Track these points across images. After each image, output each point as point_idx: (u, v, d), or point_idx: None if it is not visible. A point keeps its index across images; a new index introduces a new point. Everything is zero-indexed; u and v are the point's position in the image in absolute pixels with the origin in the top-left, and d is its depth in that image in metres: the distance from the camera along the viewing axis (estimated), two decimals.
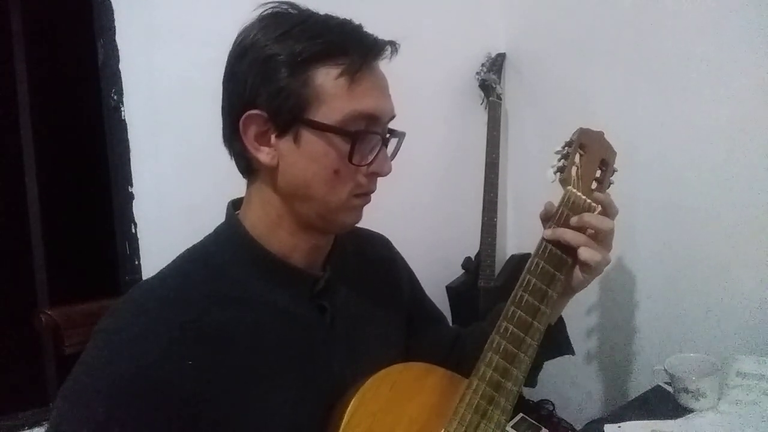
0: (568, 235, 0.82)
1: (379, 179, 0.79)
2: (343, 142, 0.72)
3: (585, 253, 0.81)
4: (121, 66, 1.33)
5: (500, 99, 1.84)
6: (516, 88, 1.90)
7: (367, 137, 0.74)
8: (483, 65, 1.87)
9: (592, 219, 0.82)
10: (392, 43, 0.76)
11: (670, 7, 1.43)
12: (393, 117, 0.78)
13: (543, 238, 0.84)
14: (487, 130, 1.81)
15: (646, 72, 1.50)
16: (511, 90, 1.92)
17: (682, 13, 1.41)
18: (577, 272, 0.85)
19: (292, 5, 0.76)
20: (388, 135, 0.78)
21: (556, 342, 0.95)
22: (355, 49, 0.72)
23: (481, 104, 1.87)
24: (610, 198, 0.86)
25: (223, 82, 0.77)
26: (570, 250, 0.84)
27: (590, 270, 0.84)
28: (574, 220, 0.83)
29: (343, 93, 0.72)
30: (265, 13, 0.75)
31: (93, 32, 1.33)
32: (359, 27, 0.76)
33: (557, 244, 0.83)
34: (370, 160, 0.75)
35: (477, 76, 1.87)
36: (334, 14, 0.77)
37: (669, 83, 1.45)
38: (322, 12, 0.77)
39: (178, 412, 0.68)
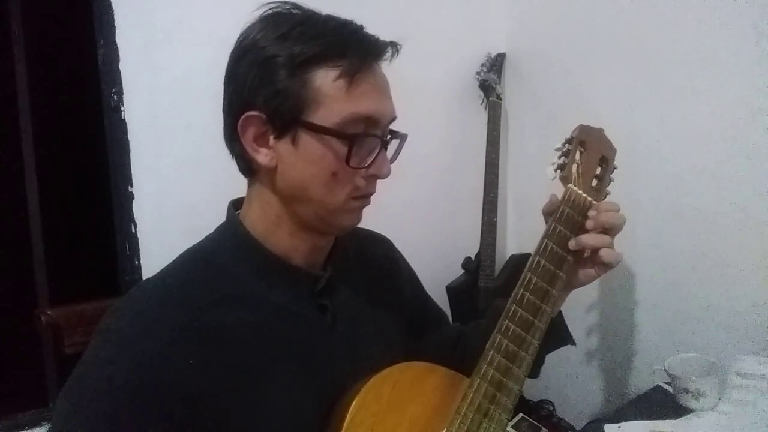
0: (593, 241, 0.82)
1: (379, 179, 0.79)
2: (341, 144, 0.72)
3: (608, 255, 0.82)
4: (121, 66, 1.32)
5: (500, 99, 1.84)
6: (516, 88, 1.90)
7: (365, 140, 0.74)
8: (483, 65, 1.87)
9: (610, 217, 0.83)
10: (393, 44, 0.75)
11: (669, 7, 1.43)
12: (394, 119, 0.78)
13: (544, 237, 0.84)
14: (487, 130, 1.81)
15: (646, 72, 1.50)
16: (511, 90, 1.92)
17: (682, 13, 1.41)
18: (586, 270, 0.86)
19: (294, 5, 0.75)
20: (388, 137, 0.78)
21: (557, 333, 0.94)
22: (355, 50, 0.72)
23: (481, 104, 1.87)
24: (608, 203, 0.86)
25: (224, 82, 0.77)
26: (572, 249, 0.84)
27: (608, 268, 0.84)
28: (590, 223, 0.83)
29: (341, 95, 0.71)
30: (267, 13, 0.75)
31: (93, 32, 1.33)
32: (360, 28, 0.75)
33: (561, 242, 0.83)
34: (368, 163, 0.75)
35: (477, 76, 1.87)
36: (334, 14, 0.76)
37: (669, 83, 1.45)
38: (322, 12, 0.76)
39: (179, 412, 0.68)
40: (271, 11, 0.75)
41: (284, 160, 0.74)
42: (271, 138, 0.74)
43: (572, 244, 0.83)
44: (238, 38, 0.75)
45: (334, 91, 0.71)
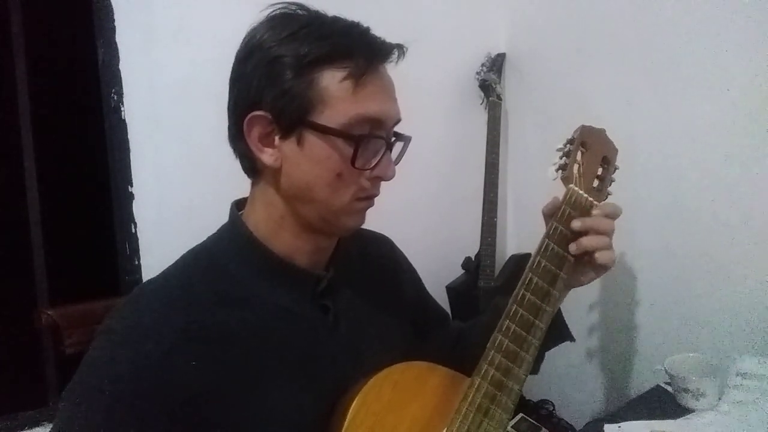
0: (593, 242, 0.82)
1: (384, 181, 0.79)
2: (347, 145, 0.72)
3: (602, 257, 0.82)
4: (121, 66, 1.33)
5: (500, 99, 1.84)
6: (516, 88, 1.91)
7: (370, 141, 0.74)
8: (483, 65, 1.88)
9: (600, 222, 0.83)
10: (399, 47, 0.75)
11: (669, 7, 1.44)
12: (398, 121, 0.78)
13: (545, 237, 0.84)
14: (487, 130, 1.82)
15: (645, 72, 1.50)
16: (511, 90, 1.92)
17: (682, 13, 1.41)
18: (586, 270, 0.86)
19: (301, 6, 0.75)
20: (393, 139, 0.78)
21: (557, 330, 0.94)
22: (361, 52, 0.72)
23: (481, 104, 1.88)
24: (611, 205, 0.86)
25: (230, 82, 0.77)
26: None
27: (604, 270, 0.84)
28: (577, 224, 0.82)
29: (347, 96, 0.71)
30: (273, 13, 0.74)
31: (93, 32, 1.33)
32: (367, 30, 0.75)
33: (562, 242, 0.83)
34: (373, 164, 0.75)
35: (477, 76, 1.87)
36: (335, 15, 0.76)
37: (669, 83, 1.45)
38: (327, 13, 0.76)
39: (181, 413, 0.68)
40: (277, 12, 0.75)
41: (289, 161, 0.74)
42: (277, 138, 0.74)
43: (573, 248, 0.83)
44: (245, 38, 0.75)
45: (340, 92, 0.71)
